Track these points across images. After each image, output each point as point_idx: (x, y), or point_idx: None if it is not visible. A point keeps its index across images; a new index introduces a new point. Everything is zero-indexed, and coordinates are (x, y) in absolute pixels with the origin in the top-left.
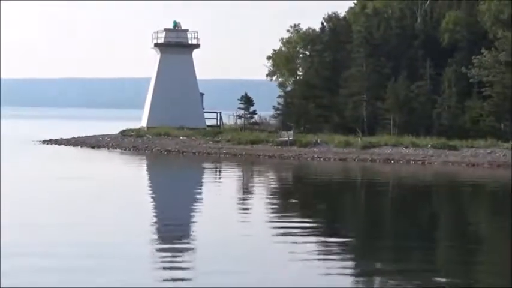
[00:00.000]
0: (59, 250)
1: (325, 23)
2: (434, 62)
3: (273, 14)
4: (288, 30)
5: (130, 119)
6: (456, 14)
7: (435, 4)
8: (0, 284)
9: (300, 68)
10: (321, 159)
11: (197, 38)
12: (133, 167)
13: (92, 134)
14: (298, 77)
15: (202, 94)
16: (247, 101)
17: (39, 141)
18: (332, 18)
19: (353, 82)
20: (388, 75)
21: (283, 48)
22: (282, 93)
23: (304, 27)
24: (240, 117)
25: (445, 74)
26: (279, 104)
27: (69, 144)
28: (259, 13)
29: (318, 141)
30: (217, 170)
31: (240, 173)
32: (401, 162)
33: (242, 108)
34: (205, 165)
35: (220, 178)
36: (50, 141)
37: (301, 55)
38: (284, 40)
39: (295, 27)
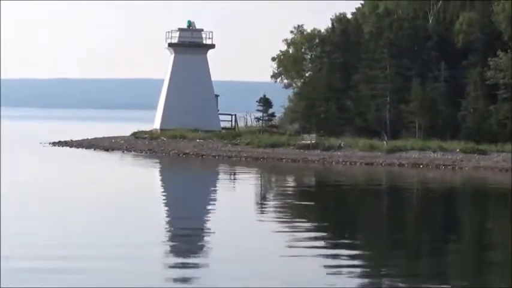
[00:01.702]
0: (74, 252)
1: (335, 24)
2: (448, 63)
3: (280, 15)
4: (292, 32)
5: (139, 121)
6: (470, 15)
7: (448, 5)
8: (0, 284)
9: (306, 70)
10: (347, 163)
11: (212, 38)
12: (155, 171)
13: (101, 136)
14: (306, 79)
15: (217, 96)
16: (265, 103)
17: (48, 143)
18: (342, 19)
19: (376, 84)
20: (411, 77)
21: (290, 50)
22: (296, 95)
23: (307, 28)
24: (258, 119)
25: (469, 76)
26: (296, 105)
27: (82, 147)
28: (268, 14)
29: (342, 145)
30: (244, 175)
31: (268, 178)
32: (430, 166)
33: (260, 111)
34: (228, 169)
35: (251, 184)
36: (60, 143)
37: (308, 56)
38: (288, 41)
39: (299, 28)
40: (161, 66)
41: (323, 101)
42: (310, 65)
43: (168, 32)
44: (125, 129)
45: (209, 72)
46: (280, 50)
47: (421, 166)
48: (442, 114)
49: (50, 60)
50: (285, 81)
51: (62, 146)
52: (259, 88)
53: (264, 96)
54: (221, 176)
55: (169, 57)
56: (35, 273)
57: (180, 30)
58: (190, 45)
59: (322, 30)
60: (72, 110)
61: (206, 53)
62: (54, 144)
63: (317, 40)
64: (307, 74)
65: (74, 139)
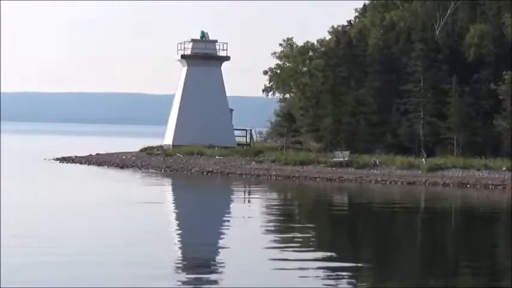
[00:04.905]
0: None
1: (339, 37)
2: (458, 77)
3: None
4: (281, 44)
5: (131, 135)
6: (481, 28)
7: (456, 17)
8: (0, 284)
9: (302, 83)
10: (386, 182)
11: (227, 49)
12: (189, 190)
13: (104, 152)
14: (308, 93)
15: (231, 110)
16: (288, 118)
17: (53, 159)
18: (346, 32)
19: (409, 98)
20: (446, 90)
21: (287, 63)
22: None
23: (296, 41)
24: (281, 135)
25: (503, 90)
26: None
27: (91, 163)
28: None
29: (377, 162)
30: (290, 197)
31: (315, 200)
32: (477, 186)
33: (283, 126)
34: (267, 189)
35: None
36: (65, 159)
37: (303, 69)
38: (278, 54)
39: (288, 42)
40: (154, 81)
41: (351, 116)
42: (303, 79)
43: (181, 43)
44: (124, 144)
45: (223, 85)
46: (276, 64)
47: (468, 186)
48: (480, 130)
49: (22, 73)
50: (277, 95)
51: (68, 163)
52: (252, 103)
53: (288, 111)
54: (275, 198)
55: (181, 69)
56: None
57: (193, 41)
58: (204, 57)
59: (315, 43)
60: (64, 124)
61: (220, 65)
62: (60, 160)
63: (310, 53)
64: (303, 87)
65: (77, 155)
